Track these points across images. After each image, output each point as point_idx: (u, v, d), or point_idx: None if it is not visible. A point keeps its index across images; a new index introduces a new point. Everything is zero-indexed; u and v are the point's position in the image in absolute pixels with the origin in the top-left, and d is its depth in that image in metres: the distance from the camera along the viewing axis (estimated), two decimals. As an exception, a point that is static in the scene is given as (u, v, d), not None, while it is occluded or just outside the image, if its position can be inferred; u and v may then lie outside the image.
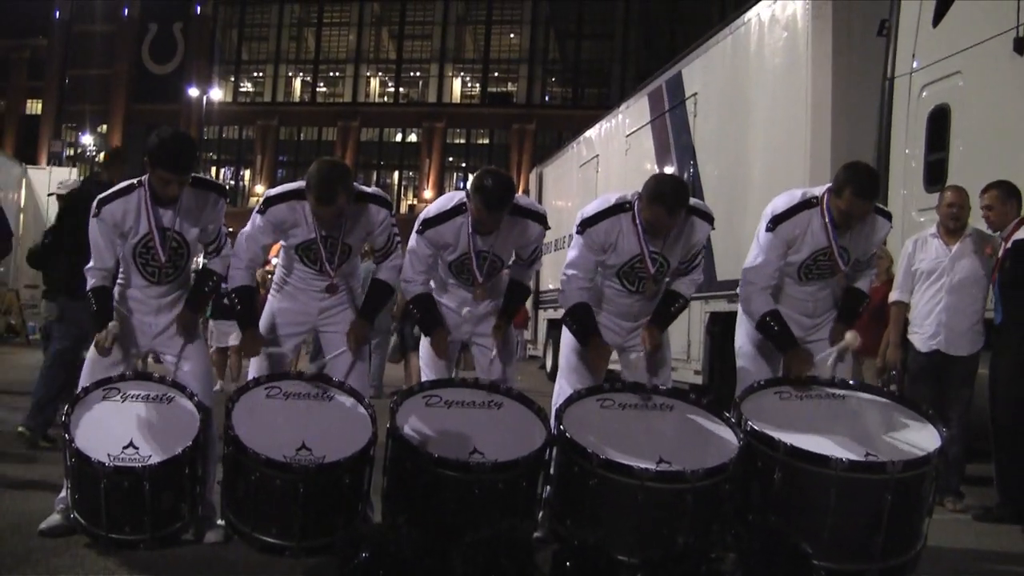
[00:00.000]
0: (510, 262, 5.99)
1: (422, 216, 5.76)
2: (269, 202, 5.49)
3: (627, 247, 5.62)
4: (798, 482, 4.97)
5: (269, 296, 5.92)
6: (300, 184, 5.41)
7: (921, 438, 5.14)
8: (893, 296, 7.79)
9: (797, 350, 5.58)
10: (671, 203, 5.39)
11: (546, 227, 5.89)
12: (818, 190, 5.70)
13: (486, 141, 53.47)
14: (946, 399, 7.27)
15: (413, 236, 5.75)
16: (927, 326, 7.44)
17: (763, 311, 5.65)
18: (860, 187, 5.44)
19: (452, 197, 5.79)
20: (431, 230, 5.68)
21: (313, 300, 5.74)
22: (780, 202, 5.72)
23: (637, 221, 5.56)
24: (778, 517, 4.85)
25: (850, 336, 5.72)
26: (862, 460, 4.91)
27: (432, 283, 5.98)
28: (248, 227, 5.59)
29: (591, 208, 5.70)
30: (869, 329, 8.48)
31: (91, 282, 5.44)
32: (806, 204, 5.63)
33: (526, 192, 25.70)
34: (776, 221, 5.63)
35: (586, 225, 5.63)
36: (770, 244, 5.64)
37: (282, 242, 5.69)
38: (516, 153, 50.63)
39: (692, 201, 5.63)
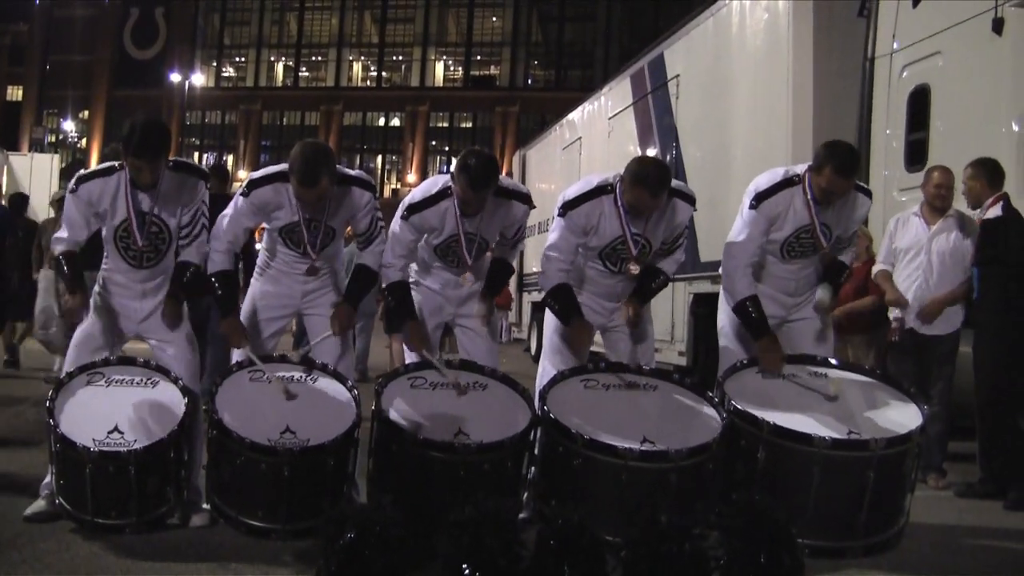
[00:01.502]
0: (494, 244, 6.00)
1: (406, 201, 5.75)
2: (253, 185, 5.48)
3: (609, 229, 5.64)
4: (782, 460, 5.03)
5: (252, 279, 5.90)
6: (284, 166, 5.39)
7: (903, 416, 5.20)
8: (877, 267, 7.82)
9: (770, 338, 5.63)
10: (654, 185, 5.40)
11: (531, 206, 5.89)
12: (800, 168, 5.74)
13: (469, 124, 53.40)
14: (928, 377, 7.33)
15: (396, 221, 5.73)
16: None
17: (743, 294, 5.68)
18: (840, 164, 5.49)
19: (436, 181, 5.78)
20: (416, 215, 5.68)
21: (296, 283, 5.74)
22: (763, 180, 5.76)
23: (619, 203, 5.57)
24: (762, 495, 4.88)
25: (821, 291, 5.80)
26: (845, 438, 4.97)
27: (414, 266, 5.98)
28: (230, 209, 5.57)
29: (573, 190, 5.71)
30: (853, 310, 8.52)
31: (59, 248, 5.41)
32: (788, 182, 5.68)
33: (509, 175, 25.64)
34: (759, 198, 5.67)
35: (568, 207, 5.64)
36: (753, 221, 5.68)
37: (265, 225, 5.67)
38: (500, 136, 50.58)
39: (674, 183, 5.65)
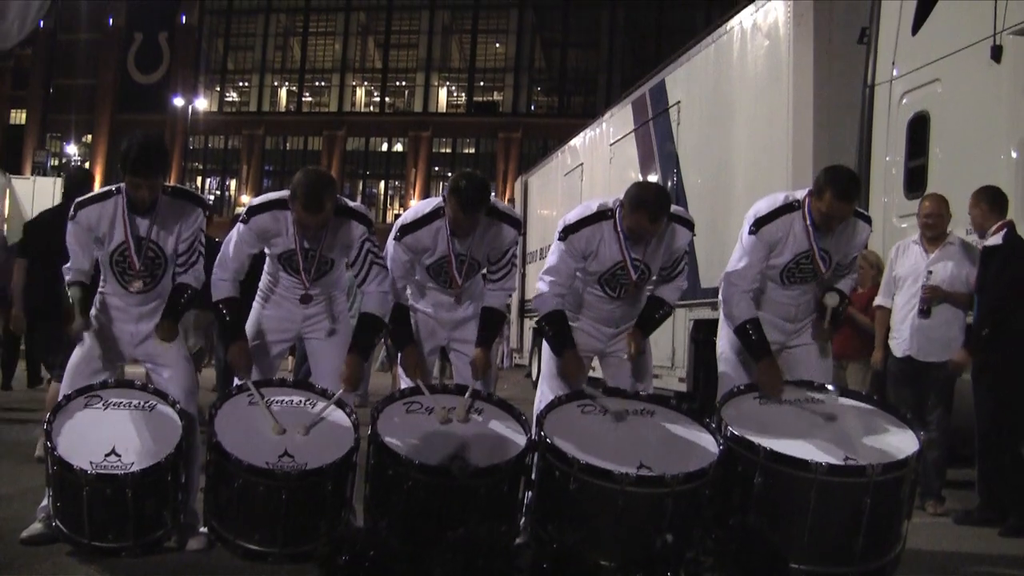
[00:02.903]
0: (486, 269, 5.98)
1: (399, 223, 5.78)
2: (252, 211, 5.51)
3: (609, 254, 5.65)
4: (778, 486, 5.01)
5: (255, 304, 5.91)
6: (283, 194, 5.44)
7: (899, 441, 5.18)
8: (877, 301, 7.85)
9: (770, 361, 5.62)
10: (653, 210, 5.42)
11: (520, 232, 5.90)
12: (800, 193, 5.74)
13: (472, 150, 53.40)
14: (926, 403, 7.32)
15: (390, 243, 5.75)
16: (902, 331, 7.50)
17: (744, 318, 5.68)
18: (840, 189, 5.49)
19: (429, 203, 5.81)
20: (409, 236, 5.69)
21: (297, 307, 5.76)
22: (762, 205, 5.77)
23: (619, 228, 5.59)
24: (759, 521, 4.88)
25: (829, 296, 5.80)
26: (841, 464, 4.95)
27: (409, 289, 5.99)
28: (233, 236, 5.61)
29: (573, 215, 5.73)
30: (852, 335, 8.53)
31: (68, 277, 5.45)
32: (788, 207, 5.68)
33: (511, 201, 25.77)
34: (759, 224, 5.67)
35: (568, 232, 5.65)
36: (753, 246, 5.68)
37: (267, 251, 5.70)
38: (502, 162, 50.59)
39: (673, 208, 5.66)
